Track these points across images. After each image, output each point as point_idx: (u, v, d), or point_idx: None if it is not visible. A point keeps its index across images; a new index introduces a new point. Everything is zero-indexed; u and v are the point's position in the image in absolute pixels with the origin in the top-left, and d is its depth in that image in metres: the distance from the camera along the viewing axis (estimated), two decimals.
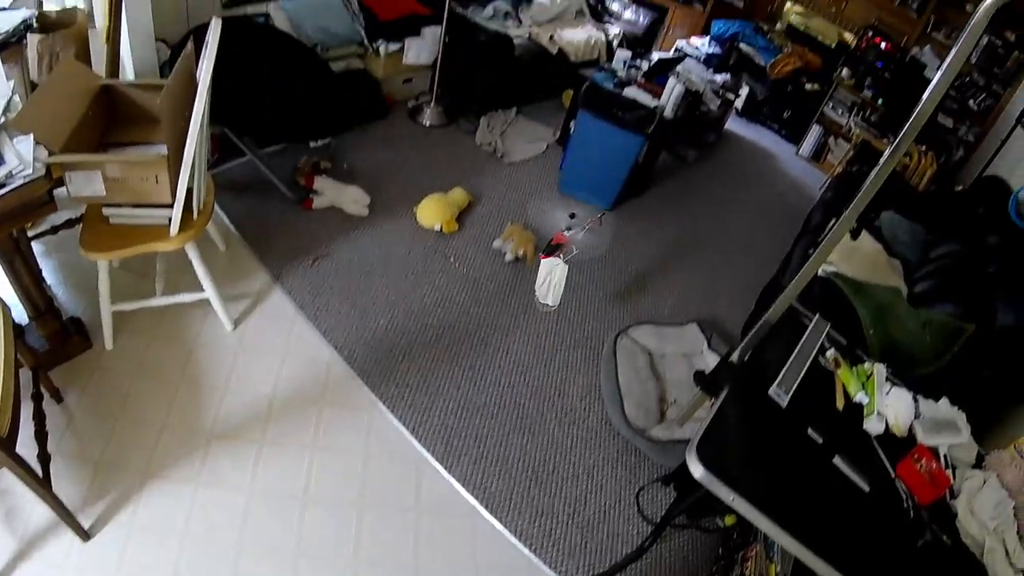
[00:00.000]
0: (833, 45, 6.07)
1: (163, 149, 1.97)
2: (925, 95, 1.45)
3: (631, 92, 3.74)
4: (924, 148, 4.93)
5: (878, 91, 5.67)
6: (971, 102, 5.35)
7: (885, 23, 5.85)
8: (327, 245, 3.10)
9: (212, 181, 2.41)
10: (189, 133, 1.89)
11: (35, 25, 2.23)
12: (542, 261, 2.92)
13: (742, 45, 6.16)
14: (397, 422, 2.44)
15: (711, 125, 5.17)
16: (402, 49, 4.18)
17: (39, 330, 2.21)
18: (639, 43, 5.79)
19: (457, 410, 2.55)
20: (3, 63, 2.08)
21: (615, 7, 6.06)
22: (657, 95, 3.77)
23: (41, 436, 1.87)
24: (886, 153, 1.55)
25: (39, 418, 1.91)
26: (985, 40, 5.08)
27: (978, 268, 3.18)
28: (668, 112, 3.78)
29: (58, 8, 2.46)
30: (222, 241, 2.89)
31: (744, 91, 5.51)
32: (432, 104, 4.34)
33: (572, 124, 3.88)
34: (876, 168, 1.58)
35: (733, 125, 5.90)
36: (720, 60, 5.87)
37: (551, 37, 4.76)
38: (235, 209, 3.16)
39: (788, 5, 6.39)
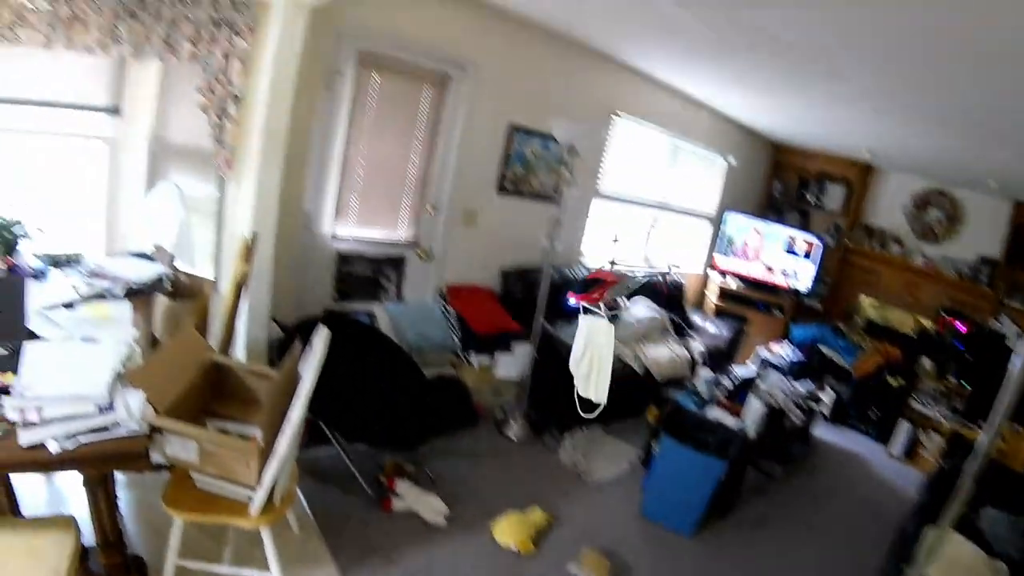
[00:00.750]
0: (913, 333, 6.14)
1: (258, 431, 2.12)
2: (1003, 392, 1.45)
3: (713, 413, 3.83)
4: (1018, 427, 4.70)
5: (961, 374, 5.59)
6: None
7: (958, 301, 5.97)
8: (400, 550, 3.12)
9: (296, 468, 2.54)
10: (284, 431, 2.07)
11: (168, 286, 2.58)
12: (580, 315, 2.33)
13: (823, 348, 6.31)
14: None
15: (797, 437, 5.12)
16: (493, 362, 4.48)
17: (102, 558, 2.24)
18: (722, 355, 6.01)
19: None
20: (133, 310, 2.38)
21: (697, 321, 6.39)
22: (738, 414, 3.84)
23: None
24: (978, 444, 1.52)
25: None
26: None
27: None
28: (751, 432, 3.83)
29: (189, 273, 2.84)
30: (297, 525, 2.99)
31: (829, 396, 5.54)
32: (519, 418, 4.52)
33: (654, 443, 3.94)
34: (966, 473, 1.54)
35: (821, 431, 5.84)
36: (803, 367, 5.98)
37: (636, 356, 5.01)
38: (315, 496, 3.30)
39: (863, 299, 6.62)
